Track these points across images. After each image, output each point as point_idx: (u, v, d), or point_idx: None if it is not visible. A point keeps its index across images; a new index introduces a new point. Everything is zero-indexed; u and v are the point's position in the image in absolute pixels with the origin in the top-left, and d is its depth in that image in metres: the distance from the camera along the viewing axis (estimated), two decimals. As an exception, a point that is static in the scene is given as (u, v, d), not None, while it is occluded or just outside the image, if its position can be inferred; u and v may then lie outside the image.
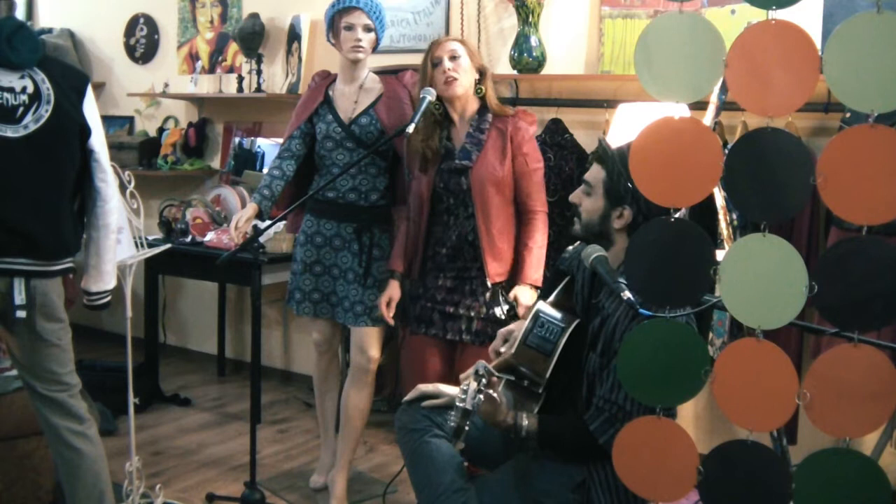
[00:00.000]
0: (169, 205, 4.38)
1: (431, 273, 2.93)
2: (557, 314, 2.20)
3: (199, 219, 4.25)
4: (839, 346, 1.62)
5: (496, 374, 2.13)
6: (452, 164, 2.85)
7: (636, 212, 2.12)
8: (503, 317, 2.84)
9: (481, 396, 1.95)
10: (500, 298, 2.85)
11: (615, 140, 2.42)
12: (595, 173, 2.18)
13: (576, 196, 2.21)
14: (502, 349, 2.26)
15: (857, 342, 1.59)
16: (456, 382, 2.62)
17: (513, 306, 2.82)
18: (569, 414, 2.13)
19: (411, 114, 2.89)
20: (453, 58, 2.81)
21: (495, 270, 2.84)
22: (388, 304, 2.97)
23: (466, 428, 1.93)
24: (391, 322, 3.00)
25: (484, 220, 2.82)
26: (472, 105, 2.88)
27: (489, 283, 2.84)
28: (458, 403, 1.95)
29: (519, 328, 2.24)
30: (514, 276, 2.86)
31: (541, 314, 2.20)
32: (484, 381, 1.98)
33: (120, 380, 3.24)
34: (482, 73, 2.88)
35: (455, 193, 2.87)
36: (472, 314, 2.84)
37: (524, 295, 2.81)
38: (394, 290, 2.98)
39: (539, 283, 2.84)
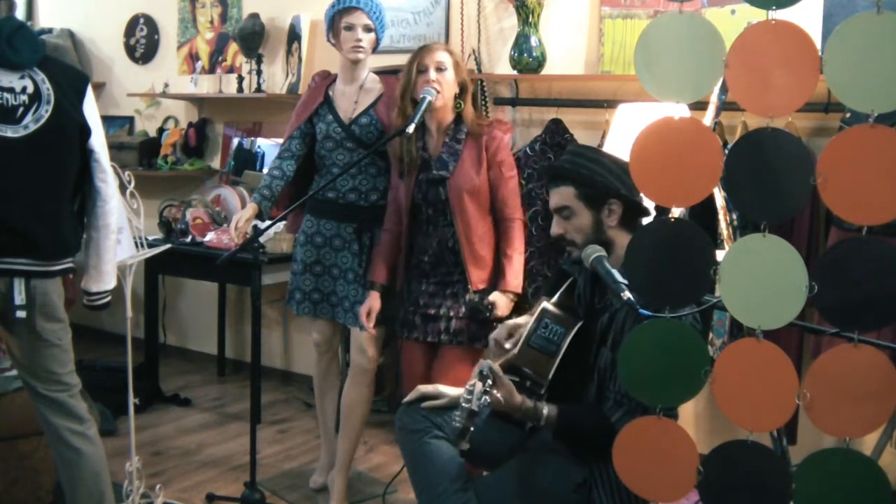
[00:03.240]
0: (169, 205, 4.38)
1: (415, 279, 2.94)
2: (561, 315, 2.20)
3: (199, 219, 4.25)
4: (839, 346, 1.63)
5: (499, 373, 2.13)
6: (430, 175, 2.85)
7: (624, 197, 2.13)
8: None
9: (487, 398, 1.94)
10: (482, 305, 2.82)
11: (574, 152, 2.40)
12: (563, 195, 2.17)
13: (557, 228, 2.19)
14: (507, 345, 2.26)
15: (857, 342, 1.59)
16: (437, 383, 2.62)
17: (488, 315, 2.80)
18: (586, 406, 2.14)
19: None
20: (439, 69, 2.80)
21: (478, 277, 2.84)
22: (369, 315, 2.96)
23: (472, 429, 1.92)
24: (372, 332, 2.99)
25: (464, 229, 2.82)
26: (449, 117, 2.87)
27: (472, 290, 2.83)
28: (463, 404, 1.94)
29: (526, 323, 2.23)
30: (496, 281, 2.85)
31: (545, 315, 2.19)
32: (489, 381, 1.97)
33: (120, 380, 3.24)
34: (463, 88, 2.87)
35: (434, 204, 2.87)
36: (452, 314, 2.86)
37: (502, 302, 2.81)
38: (374, 301, 2.98)
39: (519, 290, 2.84)
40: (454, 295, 2.87)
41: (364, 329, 2.99)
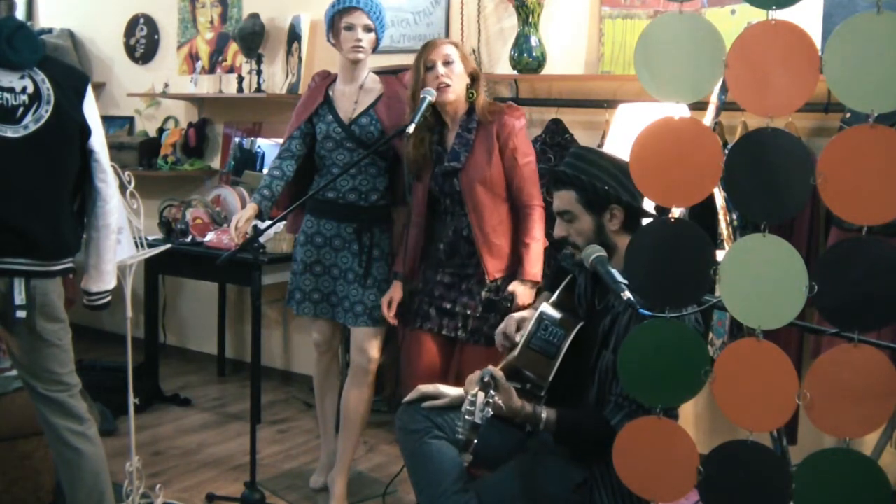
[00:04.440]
0: (169, 205, 4.38)
1: (430, 269, 2.95)
2: (561, 316, 2.19)
3: (199, 219, 4.25)
4: (839, 346, 1.62)
5: (501, 379, 2.12)
6: (444, 168, 2.87)
7: (626, 203, 2.13)
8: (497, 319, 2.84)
9: (490, 410, 1.92)
10: (498, 296, 2.83)
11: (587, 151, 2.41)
12: (564, 199, 2.19)
13: (560, 230, 2.21)
14: (517, 337, 2.25)
15: (857, 342, 1.59)
16: (451, 380, 2.62)
17: (508, 305, 2.81)
18: (586, 409, 2.14)
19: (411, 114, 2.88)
20: (447, 63, 2.81)
21: (494, 267, 2.84)
22: (390, 305, 2.98)
23: (475, 441, 1.89)
24: (393, 322, 3.01)
25: (477, 219, 2.83)
26: (462, 108, 2.89)
27: (488, 281, 2.84)
28: (466, 416, 1.91)
29: (531, 317, 2.23)
30: (514, 271, 2.86)
31: (544, 317, 2.19)
32: (491, 391, 1.96)
33: (120, 380, 3.25)
34: (474, 77, 2.88)
35: (450, 195, 2.89)
36: (468, 312, 2.85)
37: (521, 292, 2.81)
38: (396, 291, 3.00)
39: (538, 279, 2.84)
40: (469, 291, 2.87)
41: (384, 320, 3.00)
